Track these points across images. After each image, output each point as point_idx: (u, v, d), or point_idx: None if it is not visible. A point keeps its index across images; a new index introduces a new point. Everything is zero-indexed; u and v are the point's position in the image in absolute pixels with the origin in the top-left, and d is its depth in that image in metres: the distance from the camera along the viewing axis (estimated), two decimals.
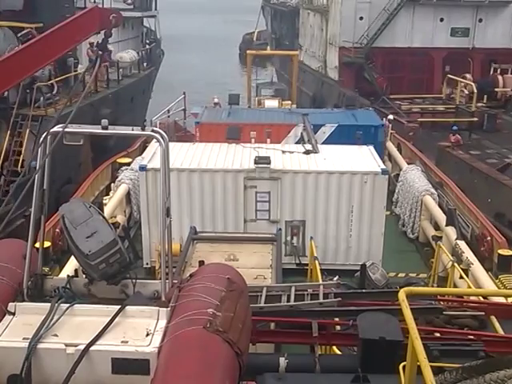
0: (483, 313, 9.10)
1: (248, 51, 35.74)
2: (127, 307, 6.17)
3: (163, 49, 47.63)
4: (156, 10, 45.66)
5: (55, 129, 6.61)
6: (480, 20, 41.35)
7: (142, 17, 42.96)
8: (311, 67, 48.56)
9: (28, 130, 22.89)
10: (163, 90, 43.50)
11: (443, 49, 41.27)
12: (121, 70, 33.03)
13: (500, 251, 15.08)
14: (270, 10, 65.49)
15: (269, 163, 15.84)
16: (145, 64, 39.40)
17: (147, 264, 15.93)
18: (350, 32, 40.45)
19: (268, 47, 61.98)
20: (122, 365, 5.66)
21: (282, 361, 7.78)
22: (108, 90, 30.45)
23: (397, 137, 25.97)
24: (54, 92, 25.55)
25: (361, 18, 40.63)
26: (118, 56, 33.93)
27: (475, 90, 35.41)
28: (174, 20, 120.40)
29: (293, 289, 9.55)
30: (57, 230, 14.89)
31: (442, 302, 9.42)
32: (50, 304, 6.21)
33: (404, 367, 5.75)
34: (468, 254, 14.96)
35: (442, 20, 41.24)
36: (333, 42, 43.09)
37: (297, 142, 19.88)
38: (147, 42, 44.45)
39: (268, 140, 19.39)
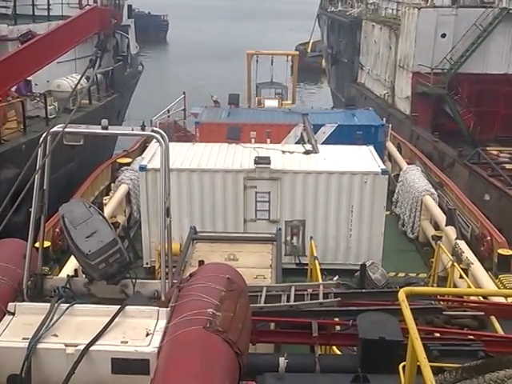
0: (483, 313, 9.11)
1: (247, 51, 35.68)
2: (127, 307, 6.18)
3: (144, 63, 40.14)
4: (130, 18, 36.97)
5: (55, 129, 6.63)
6: None
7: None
8: (374, 93, 38.93)
9: None
10: None
11: None
12: (55, 103, 24.51)
13: (500, 251, 15.07)
14: (327, 20, 52.71)
15: (269, 163, 15.84)
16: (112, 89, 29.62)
17: (147, 264, 15.93)
18: (427, 53, 31.17)
19: (323, 61, 55.98)
20: (122, 365, 5.66)
21: (282, 361, 7.79)
22: (22, 138, 20.83)
23: (397, 137, 25.93)
24: None
25: (443, 36, 31.16)
26: (54, 84, 25.20)
27: None
28: (227, 27, 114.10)
29: (293, 289, 9.55)
30: (57, 229, 14.88)
31: (441, 302, 9.43)
32: (49, 304, 6.22)
33: (404, 367, 5.75)
34: (468, 253, 14.96)
35: None
36: (404, 64, 33.33)
37: (297, 142, 19.86)
38: (119, 58, 32.98)
39: (268, 140, 19.38)
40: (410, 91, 32.48)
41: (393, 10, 38.68)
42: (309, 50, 68.34)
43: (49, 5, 28.07)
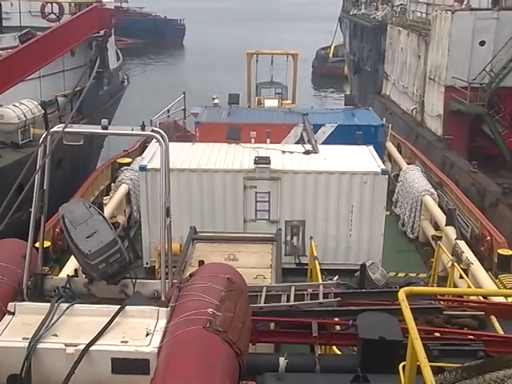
0: (483, 312, 9.12)
1: (247, 50, 35.63)
2: (127, 307, 6.18)
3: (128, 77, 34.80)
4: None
5: (55, 128, 6.63)
6: None
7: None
8: (400, 107, 34.08)
9: None
10: None
11: None
12: None
13: (500, 251, 15.08)
14: (349, 24, 47.72)
15: (269, 163, 15.84)
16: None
17: (147, 264, 15.93)
18: (463, 64, 26.59)
19: (345, 68, 52.52)
20: (122, 365, 5.66)
21: (282, 361, 7.80)
22: None
23: (397, 137, 25.91)
24: None
25: (482, 43, 26.53)
26: None
27: None
28: (244, 30, 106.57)
29: (292, 289, 9.56)
30: (57, 229, 14.89)
31: (441, 302, 9.44)
32: (49, 304, 6.22)
33: (404, 367, 5.75)
34: (468, 253, 14.97)
35: None
36: (435, 77, 28.71)
37: (297, 142, 19.86)
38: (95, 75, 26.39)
39: (268, 140, 19.37)
40: (443, 108, 27.82)
41: (422, 13, 34.02)
42: (330, 55, 64.78)
43: (1, 15, 25.29)
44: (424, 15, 33.39)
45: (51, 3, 28.78)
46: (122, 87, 32.76)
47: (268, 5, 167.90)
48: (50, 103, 23.65)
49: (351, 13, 48.28)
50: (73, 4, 29.36)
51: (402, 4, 39.01)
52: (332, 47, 63.63)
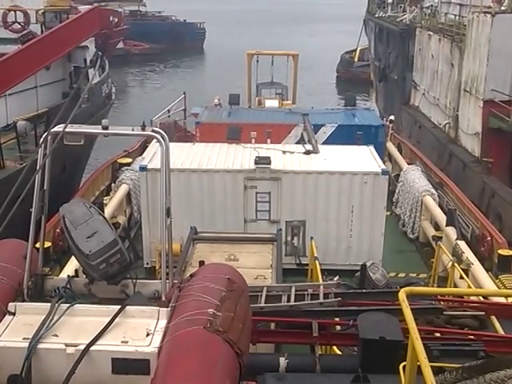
0: (483, 313, 9.12)
1: (247, 51, 35.56)
2: (127, 307, 6.19)
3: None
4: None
5: (55, 129, 6.64)
6: None
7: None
8: (431, 120, 30.28)
9: None
10: None
11: None
12: None
13: (500, 251, 15.06)
14: (374, 27, 43.42)
15: (269, 163, 15.85)
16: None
17: (147, 264, 15.92)
18: (505, 75, 23.16)
19: (371, 75, 47.91)
20: (122, 365, 5.67)
21: (282, 361, 7.81)
22: None
23: (397, 137, 25.92)
24: None
25: None
26: None
27: None
28: (266, 33, 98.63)
29: (293, 289, 9.56)
30: (57, 230, 14.87)
31: (442, 302, 9.43)
32: (50, 304, 6.23)
33: (404, 367, 5.75)
34: (468, 254, 14.95)
35: None
36: (472, 89, 24.88)
37: (297, 142, 19.85)
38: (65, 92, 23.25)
39: (268, 140, 19.38)
40: (481, 126, 23.91)
41: (455, 15, 30.73)
42: (356, 60, 60.97)
43: None
44: (457, 18, 30.17)
45: (14, 11, 25.34)
46: (106, 103, 28.86)
47: (292, 5, 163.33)
48: (7, 129, 20.73)
49: (376, 15, 44.45)
50: (40, 12, 25.72)
51: (432, 5, 36.04)
52: (357, 51, 60.45)
